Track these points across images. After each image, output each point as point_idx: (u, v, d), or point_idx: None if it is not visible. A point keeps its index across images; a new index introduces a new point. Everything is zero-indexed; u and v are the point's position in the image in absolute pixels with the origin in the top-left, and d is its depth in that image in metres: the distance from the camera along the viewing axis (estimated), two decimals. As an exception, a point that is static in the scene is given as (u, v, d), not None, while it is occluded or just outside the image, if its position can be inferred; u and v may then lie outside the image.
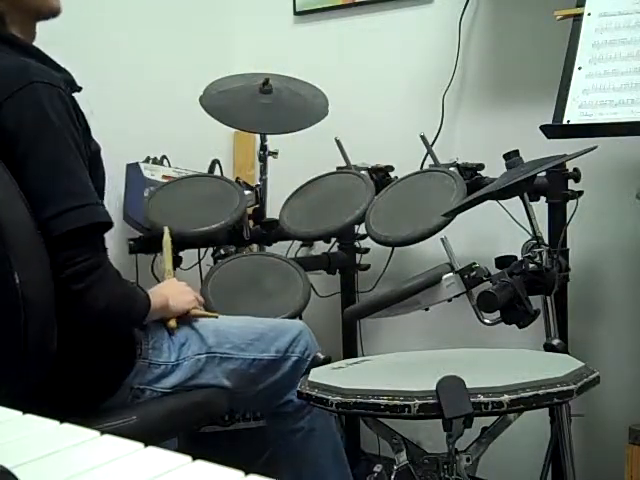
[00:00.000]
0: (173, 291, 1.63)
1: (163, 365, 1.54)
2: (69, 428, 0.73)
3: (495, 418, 1.30)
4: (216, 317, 1.70)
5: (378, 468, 1.41)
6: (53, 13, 1.53)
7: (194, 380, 1.57)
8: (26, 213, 1.32)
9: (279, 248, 2.38)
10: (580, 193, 1.94)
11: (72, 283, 1.34)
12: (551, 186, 1.94)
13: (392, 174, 2.28)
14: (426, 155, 2.16)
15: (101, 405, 1.47)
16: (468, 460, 1.27)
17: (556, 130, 1.63)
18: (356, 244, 2.42)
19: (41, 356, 1.33)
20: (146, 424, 1.48)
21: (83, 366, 1.45)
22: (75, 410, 1.37)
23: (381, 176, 2.27)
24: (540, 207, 1.90)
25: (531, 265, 1.64)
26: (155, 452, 0.64)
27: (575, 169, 1.94)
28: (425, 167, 2.19)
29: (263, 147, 2.32)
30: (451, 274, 1.57)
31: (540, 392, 1.14)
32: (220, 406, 1.64)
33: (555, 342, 1.41)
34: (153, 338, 1.54)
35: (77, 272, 1.34)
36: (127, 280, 1.50)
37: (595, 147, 1.57)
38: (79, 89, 1.52)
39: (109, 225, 1.41)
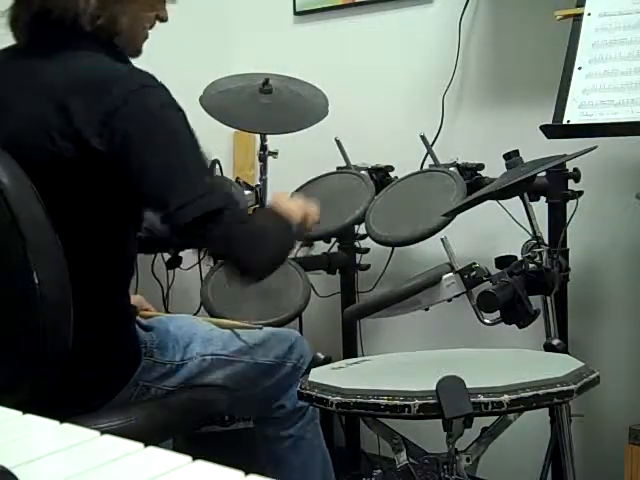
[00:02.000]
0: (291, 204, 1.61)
1: (168, 364, 1.55)
2: (69, 428, 0.73)
3: (495, 418, 1.30)
4: (260, 329, 1.68)
5: (376, 472, 1.41)
6: (133, 53, 1.55)
7: (198, 379, 1.58)
8: (43, 212, 1.31)
9: (279, 248, 2.37)
10: (580, 193, 1.94)
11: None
12: (551, 186, 1.93)
13: (392, 174, 2.28)
14: (426, 155, 2.16)
15: (107, 403, 1.47)
16: (468, 460, 1.27)
17: (556, 130, 1.63)
18: (356, 244, 2.42)
19: (59, 358, 1.32)
20: (146, 424, 1.48)
21: (89, 365, 1.44)
22: (81, 408, 1.38)
23: (381, 176, 2.27)
24: (540, 207, 1.90)
25: (531, 265, 1.64)
26: (155, 452, 0.64)
27: (575, 169, 1.94)
28: (425, 167, 2.19)
29: (263, 147, 2.31)
30: (451, 274, 1.57)
31: (540, 392, 1.15)
32: (220, 406, 1.64)
33: (555, 342, 1.41)
34: (158, 338, 1.55)
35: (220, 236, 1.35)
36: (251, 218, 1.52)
37: (595, 147, 1.57)
38: None
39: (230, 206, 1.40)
